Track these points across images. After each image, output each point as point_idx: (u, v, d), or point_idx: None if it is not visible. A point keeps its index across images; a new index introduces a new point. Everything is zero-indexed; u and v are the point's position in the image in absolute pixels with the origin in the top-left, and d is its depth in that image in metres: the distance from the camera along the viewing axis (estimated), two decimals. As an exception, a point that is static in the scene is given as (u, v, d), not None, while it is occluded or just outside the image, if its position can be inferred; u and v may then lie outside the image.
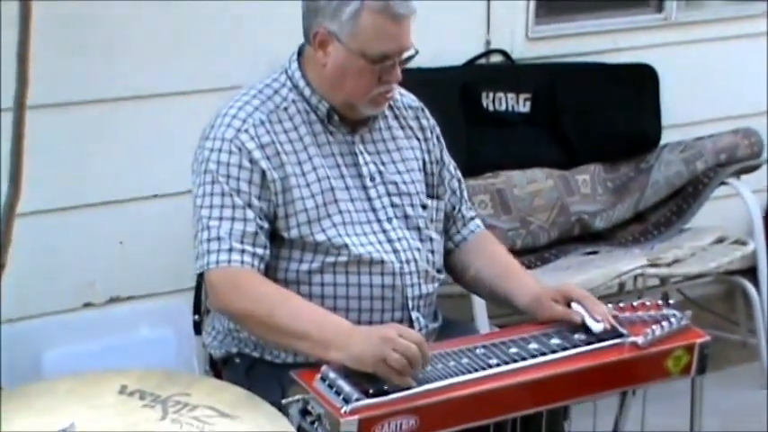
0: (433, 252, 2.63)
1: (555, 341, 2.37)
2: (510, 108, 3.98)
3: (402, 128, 2.67)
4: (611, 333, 2.39)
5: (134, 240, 3.48)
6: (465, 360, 2.27)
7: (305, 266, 2.49)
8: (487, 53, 4.01)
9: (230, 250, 2.41)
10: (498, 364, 2.26)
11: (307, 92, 2.53)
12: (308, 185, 2.49)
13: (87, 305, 3.47)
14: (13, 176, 2.74)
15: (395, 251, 2.53)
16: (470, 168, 3.52)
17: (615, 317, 2.44)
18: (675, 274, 3.84)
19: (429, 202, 2.65)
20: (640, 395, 2.55)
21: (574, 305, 2.46)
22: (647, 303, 2.54)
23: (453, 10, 3.82)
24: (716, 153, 4.00)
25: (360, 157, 2.57)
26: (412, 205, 2.60)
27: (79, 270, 3.43)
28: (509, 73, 4.04)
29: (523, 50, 4.06)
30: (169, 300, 3.48)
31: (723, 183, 4.00)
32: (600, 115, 4.09)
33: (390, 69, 2.47)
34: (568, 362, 2.31)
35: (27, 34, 2.67)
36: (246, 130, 2.47)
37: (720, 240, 3.94)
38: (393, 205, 2.58)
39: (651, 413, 2.65)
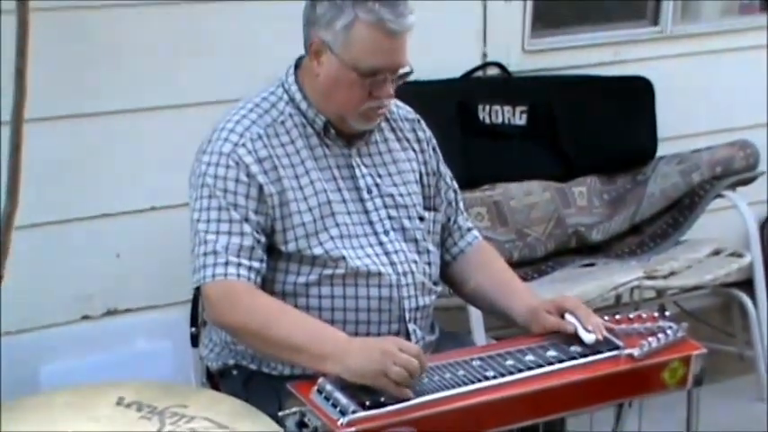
0: (430, 264, 2.63)
1: (551, 353, 2.37)
2: (506, 121, 3.99)
3: (399, 140, 2.67)
4: (608, 345, 2.39)
5: (131, 253, 3.48)
6: (461, 372, 2.27)
7: (302, 279, 2.49)
8: (484, 66, 4.02)
9: (227, 264, 2.41)
10: (495, 377, 2.26)
11: (303, 105, 2.54)
12: (305, 199, 2.49)
13: (85, 318, 3.47)
14: (10, 189, 2.74)
15: (392, 263, 2.53)
16: (467, 181, 3.53)
17: (611, 329, 2.44)
18: (672, 287, 3.85)
19: (426, 214, 2.66)
20: (637, 407, 2.55)
21: (567, 316, 2.46)
22: (644, 315, 2.54)
23: (450, 23, 3.83)
24: (712, 165, 4.01)
25: (357, 170, 2.57)
26: (409, 217, 2.61)
27: (77, 283, 3.43)
28: (505, 86, 4.05)
29: (520, 63, 4.07)
30: (166, 312, 3.48)
31: (719, 195, 4.01)
32: (596, 128, 4.09)
33: (382, 85, 2.46)
34: (565, 374, 2.31)
35: (25, 47, 2.67)
36: (244, 144, 2.47)
37: (717, 253, 3.95)
38: (390, 218, 2.58)
39: (647, 425, 2.64)
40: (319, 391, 2.17)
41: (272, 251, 2.49)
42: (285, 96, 2.56)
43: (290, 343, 2.34)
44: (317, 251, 2.47)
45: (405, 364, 2.17)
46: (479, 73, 4.02)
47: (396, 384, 2.16)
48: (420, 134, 2.72)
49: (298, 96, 2.54)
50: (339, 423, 2.08)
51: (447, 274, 2.74)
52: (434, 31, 3.57)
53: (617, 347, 2.38)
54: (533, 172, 4.00)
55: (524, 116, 4.01)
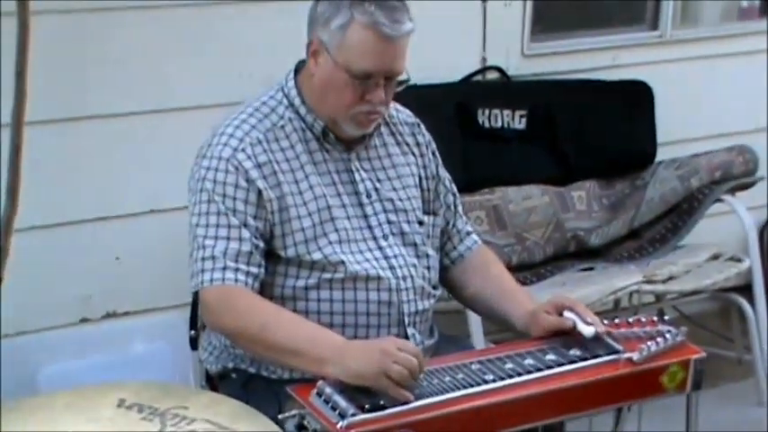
0: (429, 268, 2.63)
1: (550, 357, 2.37)
2: (506, 125, 3.99)
3: (398, 144, 2.67)
4: (607, 349, 2.39)
5: (130, 256, 3.48)
6: (461, 375, 2.27)
7: (301, 282, 2.49)
8: (483, 70, 4.02)
9: (224, 269, 2.41)
10: (494, 380, 2.26)
11: (302, 110, 2.54)
12: (304, 204, 2.49)
13: (84, 320, 3.47)
14: (10, 191, 2.74)
15: (391, 268, 2.53)
16: (466, 185, 3.53)
17: (610, 333, 2.44)
18: (671, 291, 3.84)
19: (425, 218, 2.66)
20: (636, 411, 2.55)
21: (565, 313, 2.46)
22: (643, 320, 2.54)
23: (449, 27, 3.83)
24: (711, 170, 4.01)
25: (356, 175, 2.57)
26: (408, 222, 2.61)
27: (76, 285, 3.43)
28: (505, 90, 4.05)
29: (519, 67, 4.07)
30: (165, 315, 3.48)
31: (718, 200, 4.01)
32: (595, 132, 4.09)
33: (374, 89, 2.44)
34: (564, 378, 2.31)
35: (25, 50, 2.67)
36: (243, 149, 2.47)
37: (715, 257, 3.95)
38: (389, 222, 2.58)
39: (647, 429, 2.65)
40: (319, 394, 2.17)
41: (271, 255, 2.48)
42: (285, 100, 2.56)
43: (289, 347, 2.34)
44: (317, 256, 2.48)
45: (405, 363, 2.17)
46: (479, 77, 4.02)
47: (396, 384, 2.16)
48: (419, 138, 2.71)
49: (297, 101, 2.54)
50: (338, 426, 2.08)
51: (446, 279, 2.74)
52: (434, 35, 3.57)
53: (616, 351, 2.38)
54: (532, 176, 4.00)
55: (524, 120, 4.01)
